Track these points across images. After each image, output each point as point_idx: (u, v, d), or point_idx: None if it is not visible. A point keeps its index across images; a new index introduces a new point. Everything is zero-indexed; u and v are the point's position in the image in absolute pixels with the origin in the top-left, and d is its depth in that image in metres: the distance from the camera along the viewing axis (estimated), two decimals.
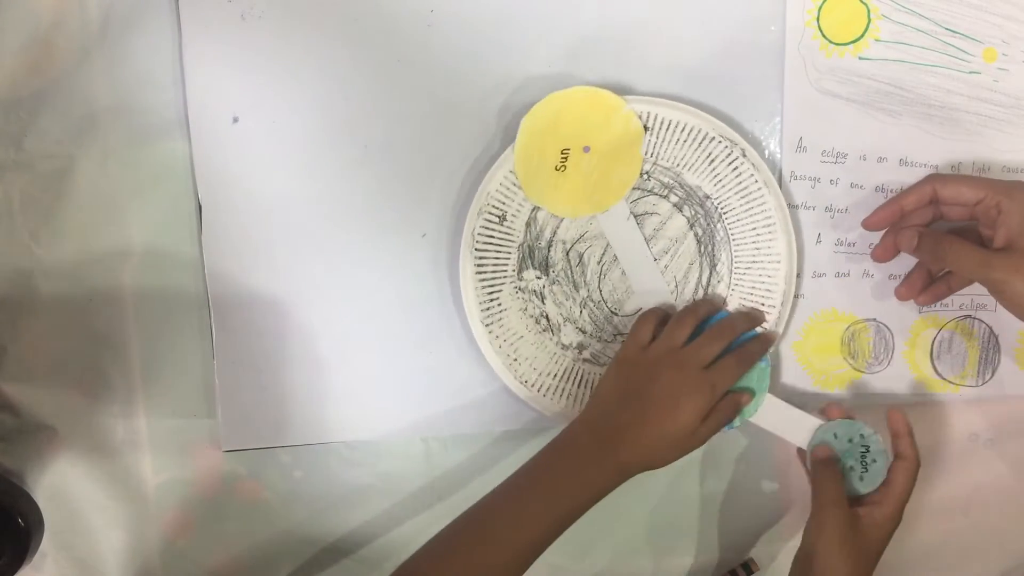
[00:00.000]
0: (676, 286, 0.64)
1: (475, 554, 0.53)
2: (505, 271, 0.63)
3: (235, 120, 0.60)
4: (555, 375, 0.64)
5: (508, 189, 0.61)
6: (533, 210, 0.63)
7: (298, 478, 0.64)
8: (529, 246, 0.63)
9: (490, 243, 0.62)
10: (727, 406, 0.60)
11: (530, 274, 0.63)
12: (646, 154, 0.62)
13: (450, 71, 0.61)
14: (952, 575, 0.70)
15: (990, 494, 0.70)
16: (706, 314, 0.62)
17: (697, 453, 0.66)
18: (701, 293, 0.64)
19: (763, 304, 0.64)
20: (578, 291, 0.64)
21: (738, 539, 0.69)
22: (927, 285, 0.64)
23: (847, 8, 0.63)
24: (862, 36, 0.64)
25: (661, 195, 0.63)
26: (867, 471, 0.60)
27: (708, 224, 0.64)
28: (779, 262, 0.64)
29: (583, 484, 0.55)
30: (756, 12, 0.63)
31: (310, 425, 0.63)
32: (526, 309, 0.64)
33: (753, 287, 0.64)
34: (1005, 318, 0.60)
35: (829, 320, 0.66)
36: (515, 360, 0.63)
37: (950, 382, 0.68)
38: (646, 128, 0.62)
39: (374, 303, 0.62)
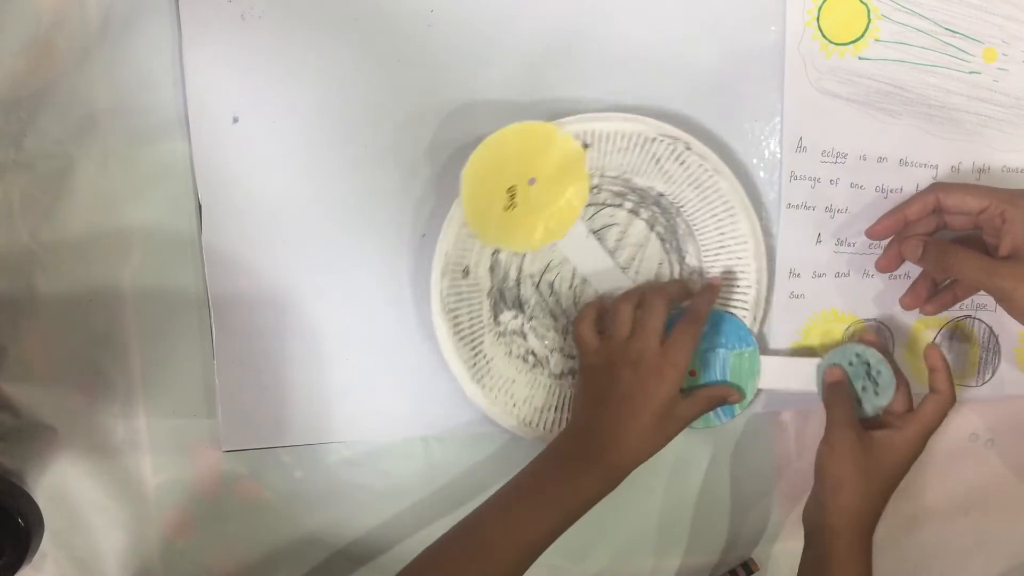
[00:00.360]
0: None
1: (470, 561, 0.53)
2: (481, 321, 0.63)
3: (235, 120, 0.60)
4: (555, 407, 0.64)
5: (464, 242, 0.61)
6: (493, 254, 0.62)
7: (298, 478, 0.64)
8: (499, 290, 0.63)
9: (461, 299, 0.62)
10: (708, 395, 0.60)
11: (506, 316, 0.63)
12: (591, 170, 0.62)
13: (450, 71, 0.61)
14: (952, 575, 0.70)
15: (990, 494, 0.70)
16: (639, 299, 0.60)
17: (698, 454, 0.67)
18: None
19: (739, 286, 0.64)
20: (557, 320, 0.64)
21: (738, 539, 0.69)
22: (932, 294, 0.64)
23: (847, 8, 0.63)
24: (862, 36, 0.64)
25: (615, 205, 0.63)
26: (878, 383, 0.61)
27: (667, 221, 0.64)
28: (746, 242, 0.63)
29: (572, 491, 0.55)
30: (756, 12, 0.63)
31: (310, 425, 0.63)
32: (511, 351, 0.63)
33: (726, 271, 0.64)
34: (1005, 318, 0.60)
35: (829, 320, 0.66)
36: (514, 405, 0.63)
37: None
38: (586, 146, 0.61)
39: (374, 303, 0.62)
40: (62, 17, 0.58)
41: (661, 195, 0.63)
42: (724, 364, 0.63)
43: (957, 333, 0.68)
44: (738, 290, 0.64)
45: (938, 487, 0.69)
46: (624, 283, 0.64)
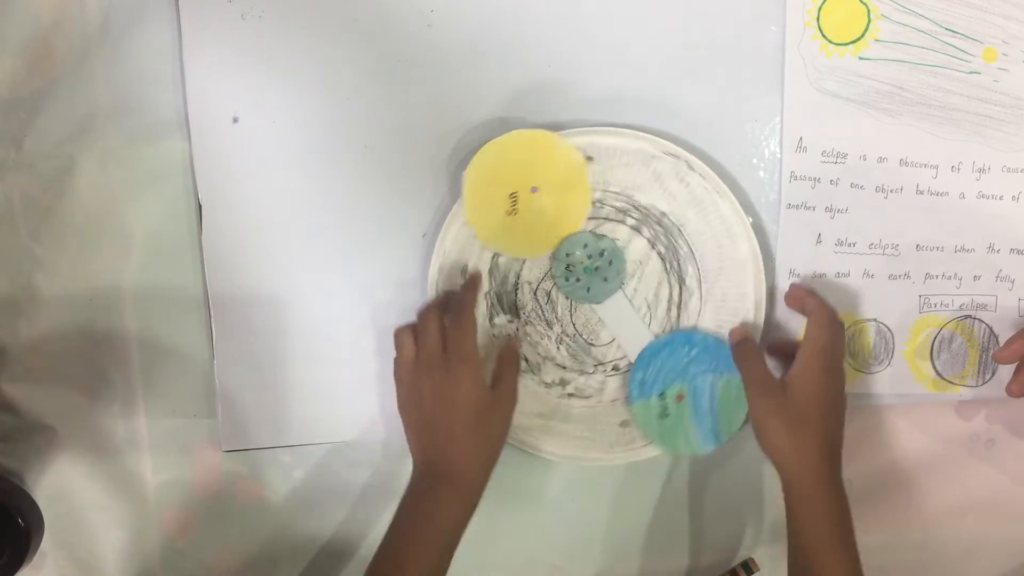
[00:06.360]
0: (648, 308, 0.64)
1: None
2: (476, 320, 0.62)
3: (235, 120, 0.60)
4: (542, 415, 0.63)
5: (465, 241, 0.61)
6: (493, 257, 0.62)
7: (298, 478, 0.64)
8: (496, 293, 0.63)
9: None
10: (506, 356, 0.60)
11: (501, 319, 0.63)
12: (594, 183, 0.62)
13: (451, 71, 0.61)
14: (952, 575, 0.70)
15: (990, 495, 0.70)
16: (443, 305, 0.59)
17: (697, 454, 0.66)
18: (674, 311, 0.64)
19: (738, 309, 0.63)
20: (551, 328, 0.64)
21: (738, 539, 0.68)
22: None
23: (847, 8, 0.63)
24: (862, 36, 0.64)
25: (617, 220, 0.63)
26: (611, 264, 0.62)
27: (669, 241, 0.63)
28: (745, 267, 0.63)
29: (440, 521, 0.55)
30: (756, 12, 0.63)
31: (310, 425, 0.63)
32: None
33: (724, 295, 0.64)
34: (1005, 318, 0.60)
35: None
36: None
37: (950, 382, 0.68)
38: (589, 158, 0.61)
39: (374, 303, 0.63)
40: (62, 17, 0.58)
41: (664, 214, 0.63)
42: (713, 390, 0.63)
43: (957, 333, 0.68)
44: (736, 317, 0.63)
45: (938, 488, 0.69)
46: (621, 299, 0.64)
